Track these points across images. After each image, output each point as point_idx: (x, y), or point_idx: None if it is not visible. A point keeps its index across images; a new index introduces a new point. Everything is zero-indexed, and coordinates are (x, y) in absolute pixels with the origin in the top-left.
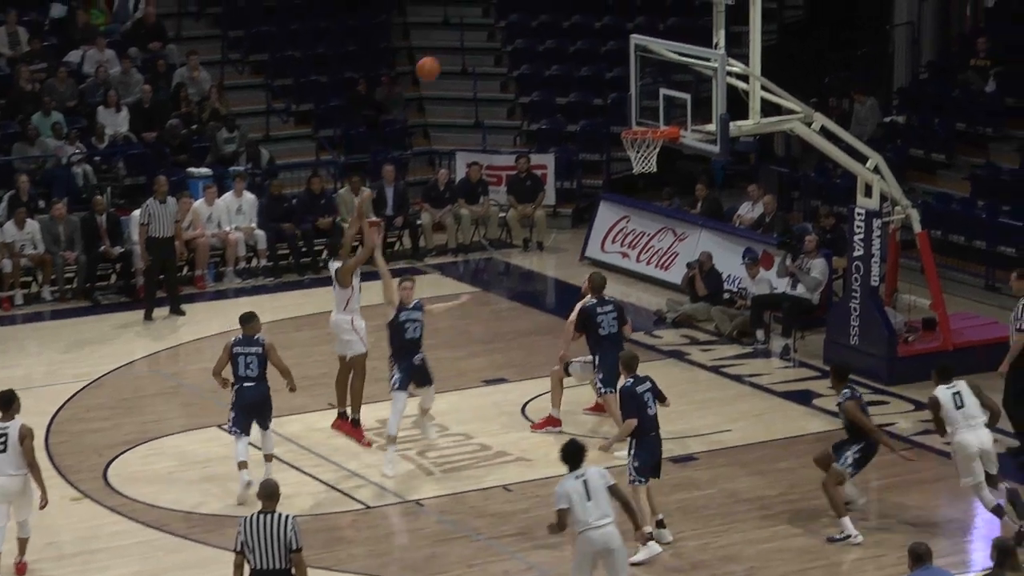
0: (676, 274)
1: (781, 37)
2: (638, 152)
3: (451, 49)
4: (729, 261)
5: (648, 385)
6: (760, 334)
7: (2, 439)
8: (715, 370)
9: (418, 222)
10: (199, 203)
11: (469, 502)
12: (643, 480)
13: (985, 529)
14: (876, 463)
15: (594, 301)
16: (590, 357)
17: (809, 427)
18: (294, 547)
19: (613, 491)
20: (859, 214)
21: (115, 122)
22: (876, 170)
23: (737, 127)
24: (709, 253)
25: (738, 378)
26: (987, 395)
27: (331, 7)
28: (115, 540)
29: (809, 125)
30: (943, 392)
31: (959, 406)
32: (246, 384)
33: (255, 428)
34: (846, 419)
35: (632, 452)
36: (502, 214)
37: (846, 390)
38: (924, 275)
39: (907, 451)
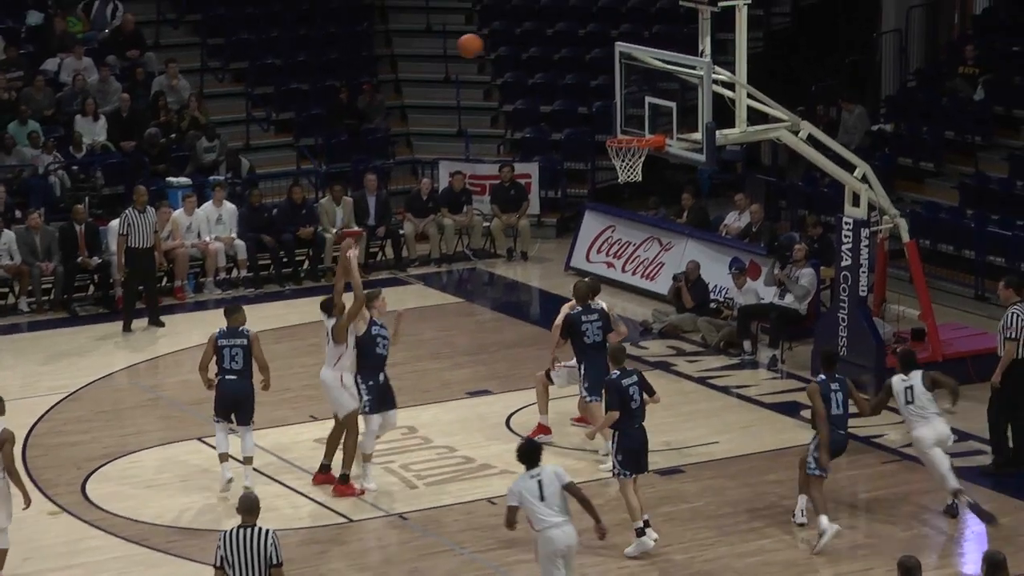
0: (662, 284)
1: (768, 44)
2: (623, 161)
3: (433, 57)
4: (716, 271)
5: (635, 379)
6: (747, 345)
7: None
8: (702, 381)
9: (401, 232)
10: (178, 213)
11: (453, 515)
12: (628, 473)
13: (975, 542)
14: (866, 475)
15: (579, 309)
16: (573, 362)
17: (797, 439)
18: (275, 562)
19: (570, 489)
20: (847, 223)
21: (93, 131)
22: (864, 179)
23: (723, 136)
24: (697, 262)
25: (725, 389)
26: (941, 378)
27: (312, 14)
28: (94, 555)
29: (796, 133)
30: (898, 382)
31: (908, 401)
32: (228, 377)
33: (234, 426)
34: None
35: (615, 444)
36: (486, 224)
37: (822, 375)
38: (913, 285)
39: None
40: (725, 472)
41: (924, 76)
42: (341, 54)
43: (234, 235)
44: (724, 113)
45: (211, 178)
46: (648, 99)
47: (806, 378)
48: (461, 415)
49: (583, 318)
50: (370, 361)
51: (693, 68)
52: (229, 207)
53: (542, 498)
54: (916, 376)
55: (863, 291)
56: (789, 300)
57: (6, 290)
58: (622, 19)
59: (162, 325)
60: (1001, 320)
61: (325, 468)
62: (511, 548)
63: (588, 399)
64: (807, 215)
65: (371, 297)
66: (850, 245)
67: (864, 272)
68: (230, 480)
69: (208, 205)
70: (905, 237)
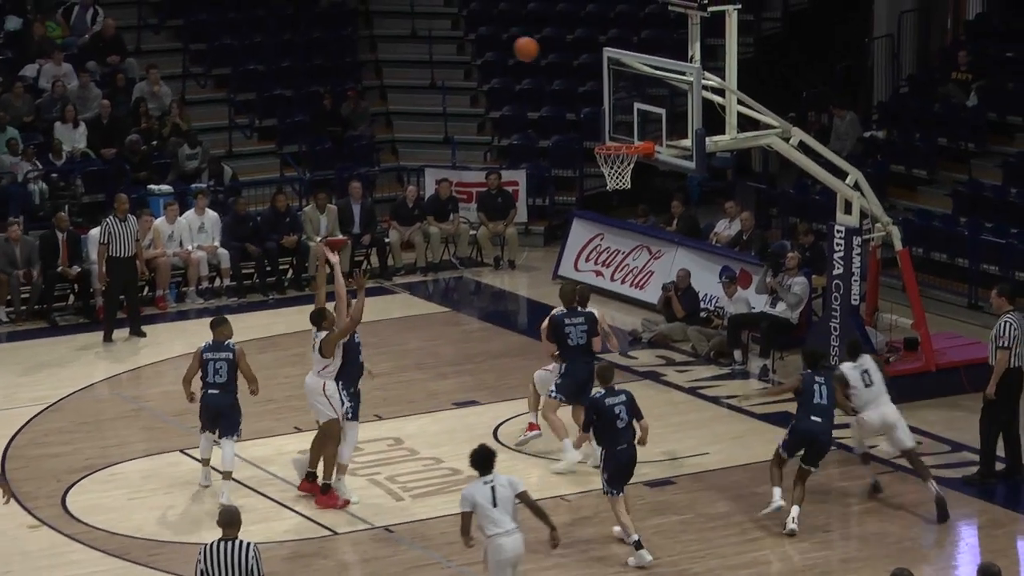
0: (651, 293)
1: (758, 50)
2: (612, 168)
3: (419, 63)
4: (706, 280)
5: (622, 399)
6: (738, 354)
7: None
8: (692, 392)
9: (386, 240)
10: (160, 221)
11: (439, 528)
12: (616, 492)
13: (969, 554)
14: (858, 487)
15: (563, 311)
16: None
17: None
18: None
19: (523, 498)
20: (839, 231)
21: (73, 138)
22: (856, 186)
23: (713, 142)
24: (687, 271)
25: (715, 400)
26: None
27: (295, 20)
28: (74, 569)
29: (787, 140)
30: (850, 371)
31: (868, 384)
32: (211, 391)
33: (215, 439)
34: None
35: (602, 463)
36: (472, 232)
37: (807, 370)
38: (906, 294)
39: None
40: (716, 484)
41: (917, 82)
42: (325, 60)
43: (217, 244)
44: (714, 120)
45: (193, 186)
46: (637, 105)
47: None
48: (448, 426)
49: (567, 320)
50: (353, 369)
51: (683, 74)
52: (212, 215)
53: (495, 504)
54: (867, 359)
55: (855, 300)
56: (780, 309)
57: None
58: (610, 24)
59: (144, 335)
60: (993, 329)
61: (311, 476)
62: None
63: (552, 394)
64: (798, 223)
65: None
66: (842, 253)
67: (856, 281)
68: (206, 487)
69: (190, 213)
70: (898, 245)
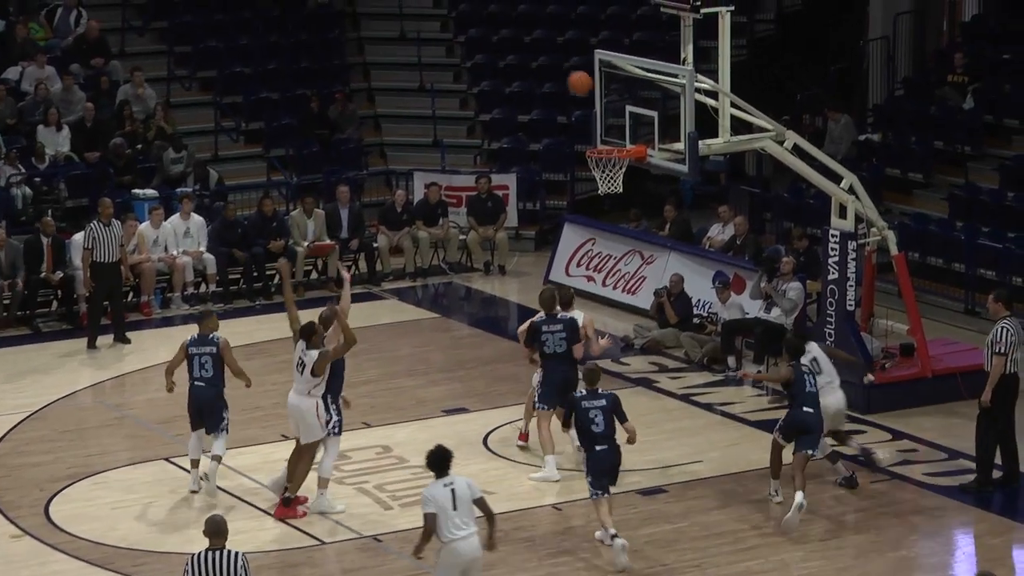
0: (644, 298)
1: (751, 52)
2: (604, 172)
3: (408, 65)
4: (699, 285)
5: (602, 403)
6: (732, 361)
7: None
8: (685, 398)
9: (374, 245)
10: (145, 226)
11: None
12: (599, 493)
13: (967, 563)
14: (854, 494)
15: (542, 317)
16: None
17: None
18: None
19: (479, 503)
20: (833, 236)
21: (56, 141)
22: (851, 190)
23: (706, 146)
24: (680, 276)
25: (709, 407)
26: (837, 351)
27: (282, 22)
28: None
29: (781, 144)
30: (818, 351)
31: (818, 372)
32: (197, 384)
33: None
34: None
35: (585, 465)
36: (462, 237)
37: (794, 360)
38: (901, 299)
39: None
40: (709, 492)
41: (912, 85)
42: (312, 62)
43: (203, 249)
44: (707, 123)
45: (178, 190)
46: (629, 108)
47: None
48: (437, 434)
49: (544, 328)
50: (339, 382)
51: (675, 76)
52: (197, 220)
53: (455, 507)
54: (813, 347)
55: (850, 305)
56: (775, 314)
57: None
58: (601, 26)
59: (128, 342)
60: (989, 334)
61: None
62: (489, 571)
63: (537, 406)
64: (793, 227)
65: (327, 321)
66: (837, 258)
67: (851, 286)
68: (195, 492)
69: (175, 218)
70: (893, 250)
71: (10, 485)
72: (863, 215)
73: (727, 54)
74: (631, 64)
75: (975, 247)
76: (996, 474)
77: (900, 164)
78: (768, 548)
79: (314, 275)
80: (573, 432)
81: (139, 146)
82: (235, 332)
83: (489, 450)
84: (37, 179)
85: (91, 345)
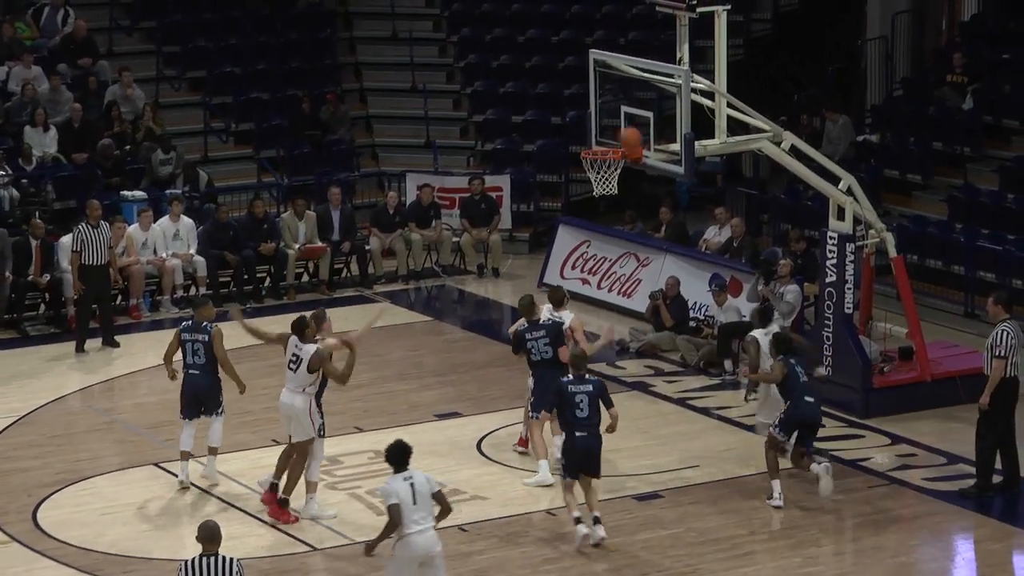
0: (639, 301)
1: (748, 52)
2: (598, 173)
3: (400, 65)
4: (695, 288)
5: (589, 389)
6: (728, 364)
7: None
8: (681, 402)
9: (366, 247)
10: (133, 228)
11: None
12: (568, 476)
13: (966, 569)
14: (852, 500)
15: (525, 325)
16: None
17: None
18: None
19: (438, 497)
20: (831, 238)
21: (43, 142)
22: (849, 192)
23: (703, 147)
24: (676, 278)
25: (705, 411)
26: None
27: (272, 21)
28: None
29: (778, 144)
30: (762, 336)
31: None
32: (191, 371)
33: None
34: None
35: (561, 450)
36: (455, 239)
37: (781, 356)
38: (900, 302)
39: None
40: (705, 498)
41: (911, 85)
42: (303, 62)
43: (192, 251)
44: (703, 123)
45: (168, 192)
46: (624, 109)
47: None
48: (430, 439)
49: (527, 336)
50: (327, 385)
51: (671, 76)
52: (187, 222)
53: (414, 502)
54: (776, 328)
55: (849, 308)
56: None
57: None
58: (596, 25)
59: (117, 345)
60: (989, 337)
61: (274, 487)
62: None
63: (532, 415)
64: (790, 229)
65: (318, 319)
66: (835, 261)
67: (850, 289)
68: (185, 488)
69: (165, 220)
70: (892, 252)
71: None
72: (861, 217)
73: (723, 54)
74: (626, 64)
75: (974, 249)
76: (996, 479)
77: (899, 165)
78: (765, 554)
79: (305, 278)
80: (557, 440)
81: (127, 147)
82: (225, 335)
83: (483, 455)
84: (24, 181)
85: (79, 349)
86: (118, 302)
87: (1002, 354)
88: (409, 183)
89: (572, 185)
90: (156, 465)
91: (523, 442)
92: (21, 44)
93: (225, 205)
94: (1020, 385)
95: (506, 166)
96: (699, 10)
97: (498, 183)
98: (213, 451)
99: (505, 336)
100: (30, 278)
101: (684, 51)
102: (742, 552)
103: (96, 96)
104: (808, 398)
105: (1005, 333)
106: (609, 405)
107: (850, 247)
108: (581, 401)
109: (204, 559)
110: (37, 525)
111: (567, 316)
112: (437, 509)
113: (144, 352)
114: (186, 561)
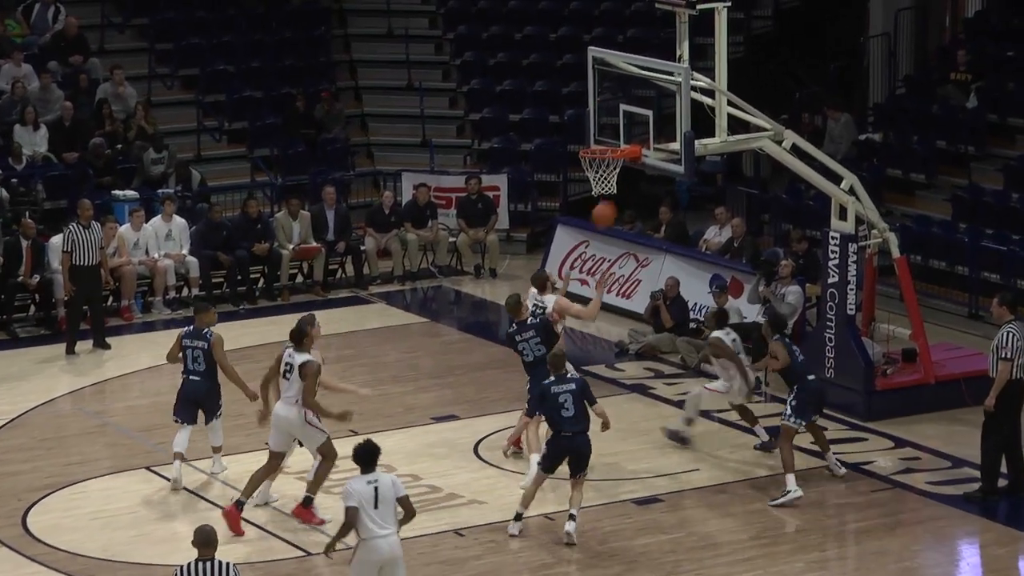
0: (639, 302)
1: (749, 49)
2: (597, 173)
3: (396, 63)
4: (695, 288)
5: (572, 387)
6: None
7: None
8: (681, 405)
9: (362, 248)
10: (125, 228)
11: (418, 548)
12: (543, 468)
13: (971, 574)
14: (856, 504)
15: (514, 327)
16: None
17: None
18: None
19: (402, 502)
20: (833, 238)
21: (33, 141)
22: (851, 191)
23: (703, 146)
24: (676, 279)
25: (706, 413)
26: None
27: (266, 18)
28: None
29: (779, 143)
30: (725, 336)
31: (738, 351)
32: (191, 377)
33: (201, 421)
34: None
35: (547, 442)
36: (452, 239)
37: (776, 335)
38: (903, 303)
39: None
40: (706, 501)
41: (914, 83)
42: (297, 60)
43: (185, 251)
44: (703, 122)
45: (160, 191)
46: (623, 107)
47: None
48: (426, 441)
49: (517, 337)
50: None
51: (670, 74)
52: (179, 222)
53: (376, 505)
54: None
55: (851, 309)
56: None
57: None
58: (595, 23)
59: (108, 347)
60: (994, 339)
61: (308, 501)
62: None
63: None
64: (791, 229)
65: (306, 323)
66: (837, 261)
67: (852, 289)
68: (176, 487)
69: (157, 220)
70: (895, 252)
71: None
72: (864, 217)
73: (724, 51)
74: (625, 61)
75: (979, 249)
76: (1001, 482)
77: (901, 164)
78: (766, 559)
79: (300, 279)
80: (534, 457)
81: (119, 146)
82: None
83: (480, 458)
84: (14, 180)
85: (70, 351)
86: (109, 303)
87: (1008, 356)
88: (405, 182)
89: (570, 184)
90: (148, 469)
91: (516, 441)
92: (11, 41)
93: (218, 205)
94: None
95: (503, 165)
96: (699, 7)
97: (495, 182)
98: (217, 450)
99: (503, 337)
100: (20, 279)
101: (684, 48)
102: (743, 557)
103: (87, 94)
104: (811, 376)
105: (1010, 335)
106: (592, 402)
107: (852, 247)
108: (565, 401)
109: (200, 564)
110: (27, 530)
111: (549, 300)
112: (402, 514)
113: (135, 354)
114: (182, 566)
